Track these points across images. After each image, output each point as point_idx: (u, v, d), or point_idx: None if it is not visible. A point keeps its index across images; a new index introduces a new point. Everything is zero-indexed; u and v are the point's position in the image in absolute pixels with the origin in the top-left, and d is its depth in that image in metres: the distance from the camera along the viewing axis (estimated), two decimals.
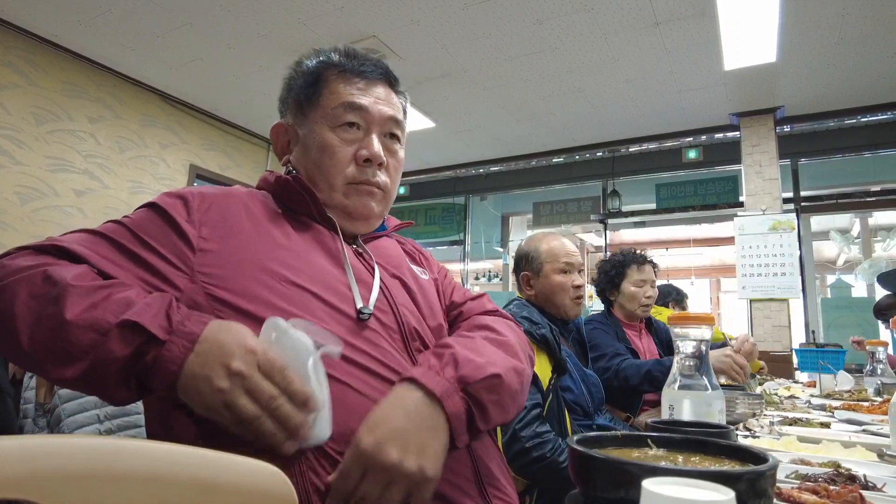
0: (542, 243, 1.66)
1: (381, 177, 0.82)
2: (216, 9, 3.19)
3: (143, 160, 4.23)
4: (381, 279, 0.78)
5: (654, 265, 2.22)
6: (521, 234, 6.32)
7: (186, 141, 4.57)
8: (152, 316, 0.55)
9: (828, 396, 1.78)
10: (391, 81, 0.87)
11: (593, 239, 6.82)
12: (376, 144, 0.81)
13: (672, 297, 3.37)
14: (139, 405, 2.35)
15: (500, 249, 6.22)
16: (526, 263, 1.65)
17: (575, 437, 0.51)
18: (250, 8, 3.17)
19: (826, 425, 1.16)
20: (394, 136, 0.85)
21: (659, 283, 2.92)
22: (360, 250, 0.82)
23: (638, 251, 2.22)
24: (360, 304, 0.71)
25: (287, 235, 0.74)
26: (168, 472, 0.37)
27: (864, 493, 0.57)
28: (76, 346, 0.53)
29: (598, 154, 5.22)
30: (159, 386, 0.54)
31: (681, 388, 0.89)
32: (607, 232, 5.31)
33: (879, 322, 2.97)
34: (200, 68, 3.91)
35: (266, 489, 0.43)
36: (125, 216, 0.72)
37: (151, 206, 0.72)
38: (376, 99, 0.82)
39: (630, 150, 5.07)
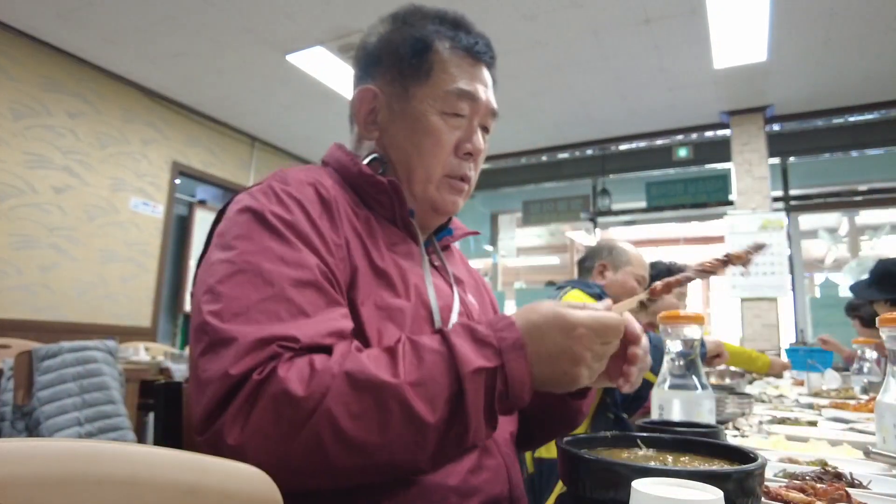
0: (629, 248, 1.79)
1: (473, 172, 0.77)
2: (199, 2, 3.12)
3: (124, 156, 4.15)
4: (461, 301, 0.74)
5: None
6: (510, 233, 6.30)
7: (169, 137, 4.49)
8: (472, 353, 0.53)
9: (816, 395, 1.76)
10: (492, 62, 0.79)
11: (583, 237, 6.82)
12: (480, 138, 0.75)
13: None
14: (120, 408, 2.30)
15: (490, 248, 6.19)
16: (608, 255, 1.75)
17: (565, 439, 0.52)
18: (235, 2, 3.11)
19: (813, 424, 1.15)
20: (486, 129, 0.78)
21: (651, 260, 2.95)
22: (438, 263, 0.78)
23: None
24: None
25: (378, 247, 0.69)
26: (148, 475, 0.37)
27: (851, 490, 0.57)
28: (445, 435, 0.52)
29: (587, 152, 5.22)
30: (521, 398, 0.54)
31: (671, 387, 0.89)
32: (597, 230, 5.31)
33: (852, 321, 2.97)
34: (183, 63, 3.84)
35: (249, 492, 0.42)
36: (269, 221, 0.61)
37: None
38: (485, 87, 0.75)
39: (620, 147, 5.07)
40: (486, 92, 0.75)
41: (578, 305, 0.57)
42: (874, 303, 2.11)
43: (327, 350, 0.54)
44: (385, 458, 0.50)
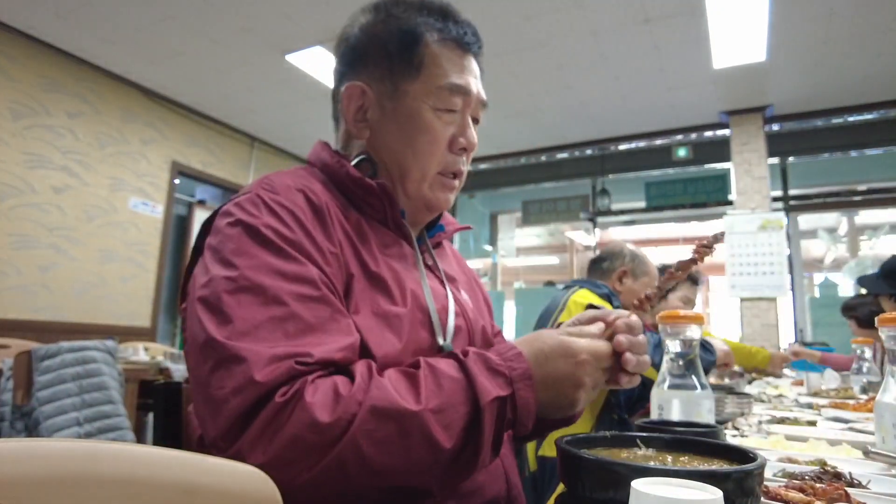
0: (648, 258, 1.84)
1: (465, 166, 0.75)
2: (199, 2, 3.12)
3: (123, 156, 4.15)
4: (455, 301, 0.73)
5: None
6: (509, 233, 6.30)
7: (168, 137, 4.49)
8: (488, 383, 0.55)
9: (815, 395, 1.76)
10: (480, 51, 0.77)
11: (582, 238, 6.82)
12: (473, 132, 0.74)
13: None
14: (120, 408, 2.30)
15: (489, 248, 6.19)
16: (630, 261, 1.78)
17: (564, 438, 0.51)
18: (234, 2, 3.11)
19: (813, 423, 1.15)
20: (476, 120, 0.77)
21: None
22: (430, 263, 0.77)
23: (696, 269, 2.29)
24: (441, 341, 0.67)
25: (371, 251, 0.67)
26: (147, 475, 0.37)
27: (850, 490, 0.57)
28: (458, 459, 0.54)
29: (587, 152, 5.22)
30: (525, 426, 0.57)
31: (670, 387, 0.89)
32: (597, 230, 5.31)
33: (849, 321, 2.97)
34: (182, 63, 3.84)
35: (248, 492, 0.42)
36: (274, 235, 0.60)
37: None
38: (475, 79, 0.74)
39: (620, 147, 5.07)
40: (476, 84, 0.74)
41: (575, 332, 0.61)
42: (878, 297, 2.12)
43: (341, 366, 0.54)
44: (400, 480, 0.51)
